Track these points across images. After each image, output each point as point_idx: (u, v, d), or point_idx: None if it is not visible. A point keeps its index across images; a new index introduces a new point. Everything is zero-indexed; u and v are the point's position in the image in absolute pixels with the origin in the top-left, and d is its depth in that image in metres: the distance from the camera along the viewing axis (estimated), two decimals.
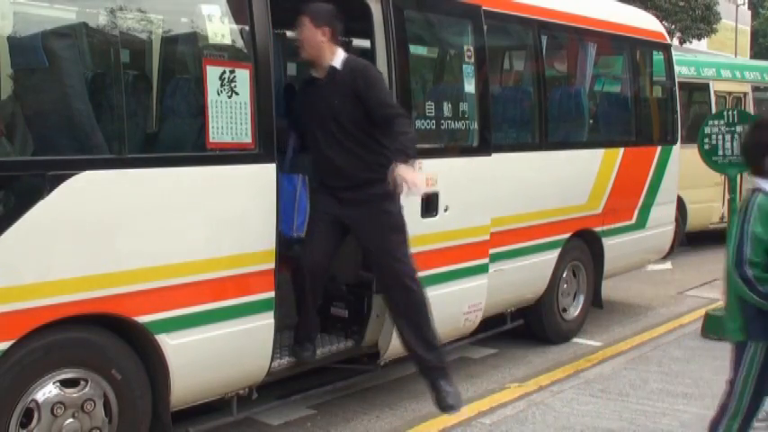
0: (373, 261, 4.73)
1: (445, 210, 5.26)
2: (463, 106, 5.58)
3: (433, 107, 5.38)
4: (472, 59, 5.63)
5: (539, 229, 6.29)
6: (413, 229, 4.79)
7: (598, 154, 6.95)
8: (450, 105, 5.48)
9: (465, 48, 5.66)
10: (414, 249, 4.74)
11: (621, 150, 7.21)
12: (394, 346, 5.03)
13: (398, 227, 4.65)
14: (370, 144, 4.60)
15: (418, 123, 5.19)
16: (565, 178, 6.58)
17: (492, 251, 5.76)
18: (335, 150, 4.59)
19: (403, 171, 4.21)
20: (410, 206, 4.86)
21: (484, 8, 5.72)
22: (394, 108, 4.59)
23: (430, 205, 5.16)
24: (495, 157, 5.74)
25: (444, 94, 5.73)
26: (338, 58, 4.57)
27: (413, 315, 4.62)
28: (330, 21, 4.55)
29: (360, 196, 4.60)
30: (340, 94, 4.52)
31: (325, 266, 4.74)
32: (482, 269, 5.68)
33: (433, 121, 5.35)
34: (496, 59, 7.05)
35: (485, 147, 5.70)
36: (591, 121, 7.26)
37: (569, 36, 7.06)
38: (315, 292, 4.73)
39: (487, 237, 5.68)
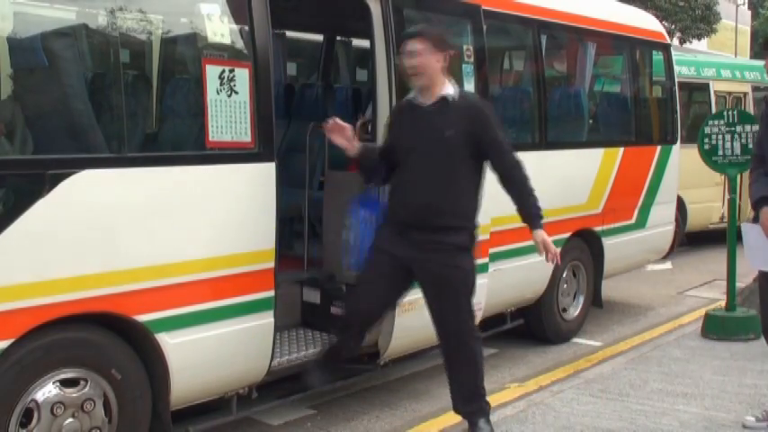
0: (434, 313, 4.36)
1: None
2: None
3: None
4: (472, 59, 5.63)
5: None
6: None
7: (598, 154, 6.95)
8: None
9: (464, 47, 5.65)
10: None
11: (621, 150, 7.21)
12: (394, 345, 5.03)
13: (469, 285, 4.33)
14: (469, 188, 4.28)
15: None
16: (565, 178, 6.57)
17: (491, 251, 5.74)
18: (428, 185, 4.17)
19: (546, 239, 4.15)
20: None
21: (483, 8, 5.72)
22: (512, 154, 4.28)
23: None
24: None
25: None
26: (450, 87, 4.26)
27: (465, 371, 4.38)
28: (449, 46, 4.35)
29: (436, 242, 4.18)
30: (452, 127, 4.15)
31: (376, 317, 4.45)
32: (481, 269, 5.61)
33: None
34: (496, 59, 7.05)
35: None
36: (590, 121, 7.26)
37: (569, 36, 7.06)
38: (357, 338, 4.48)
39: (487, 236, 5.65)
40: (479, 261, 5.58)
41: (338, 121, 4.33)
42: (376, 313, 4.43)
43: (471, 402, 4.38)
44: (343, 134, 4.32)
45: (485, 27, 5.75)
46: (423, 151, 4.18)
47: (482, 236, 5.58)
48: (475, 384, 4.38)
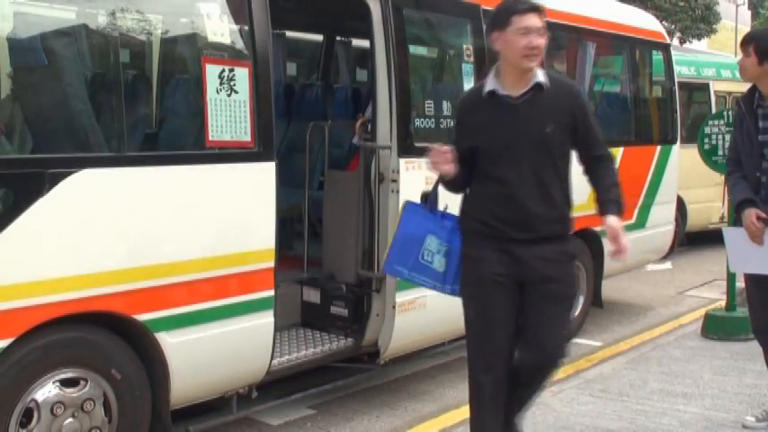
0: (533, 330, 3.63)
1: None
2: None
3: (432, 106, 5.35)
4: (471, 59, 5.62)
5: None
6: None
7: None
8: (450, 104, 5.44)
9: (464, 47, 5.65)
10: None
11: (621, 150, 7.20)
12: (394, 345, 5.03)
13: (570, 297, 3.83)
14: (567, 189, 3.69)
15: (418, 123, 5.18)
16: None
17: None
18: (530, 191, 3.54)
19: (619, 229, 3.54)
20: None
21: (483, 7, 5.72)
22: (606, 147, 3.78)
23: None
24: None
25: (444, 94, 5.69)
26: (540, 71, 3.59)
27: (536, 390, 3.82)
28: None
29: (549, 256, 3.58)
30: (552, 121, 3.54)
31: (508, 364, 3.66)
32: None
33: (434, 120, 5.32)
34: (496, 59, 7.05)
35: None
36: None
37: (568, 35, 7.05)
38: (496, 405, 3.69)
39: None
40: None
41: (439, 147, 3.62)
42: (509, 356, 3.67)
43: (521, 413, 3.89)
44: (445, 158, 3.60)
45: (485, 27, 5.75)
46: (518, 152, 3.54)
47: None
48: (533, 397, 3.89)
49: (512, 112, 3.56)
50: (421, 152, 4.78)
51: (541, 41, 3.49)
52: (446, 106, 5.45)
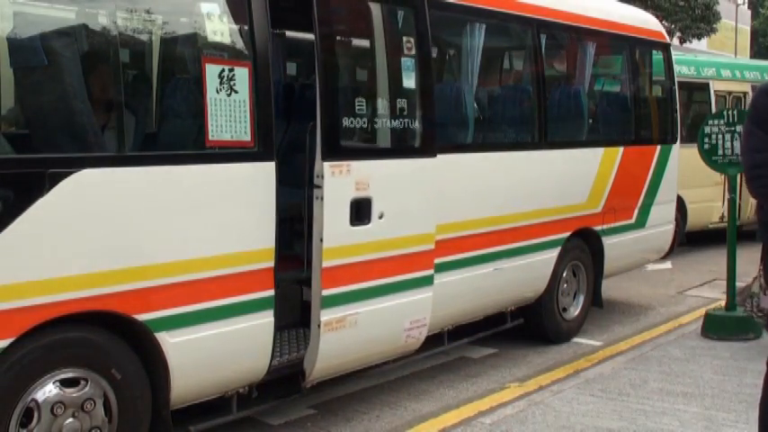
0: None
1: (380, 217, 4.78)
2: (401, 103, 5.03)
3: (365, 105, 4.87)
4: (413, 52, 5.11)
5: (538, 227, 6.28)
6: (338, 239, 4.54)
7: (598, 153, 6.95)
8: (386, 103, 4.99)
9: (405, 40, 5.12)
10: (341, 261, 4.53)
11: (621, 149, 7.21)
12: (320, 367, 4.64)
13: None
14: None
15: (346, 122, 4.70)
16: (564, 177, 6.57)
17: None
18: None
19: None
20: (337, 213, 4.54)
21: None
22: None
23: (360, 212, 4.68)
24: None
25: (380, 91, 5.12)
26: None
27: None
28: None
29: None
30: None
31: None
32: (425, 281, 5.18)
33: (366, 120, 4.85)
34: (496, 58, 7.06)
35: (427, 147, 5.19)
36: (590, 121, 7.26)
37: (569, 35, 7.05)
38: None
39: (431, 246, 5.21)
40: (423, 273, 5.12)
41: None
42: None
43: None
44: None
45: (428, 16, 5.22)
46: None
47: (425, 245, 5.16)
48: None
49: None
50: (350, 155, 4.62)
51: None
52: (382, 105, 4.98)
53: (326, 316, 4.56)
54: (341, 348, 4.71)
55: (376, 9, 5.07)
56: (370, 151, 4.99)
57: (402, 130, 5.08)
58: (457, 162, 5.59)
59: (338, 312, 4.60)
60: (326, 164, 4.51)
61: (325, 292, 4.55)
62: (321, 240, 4.52)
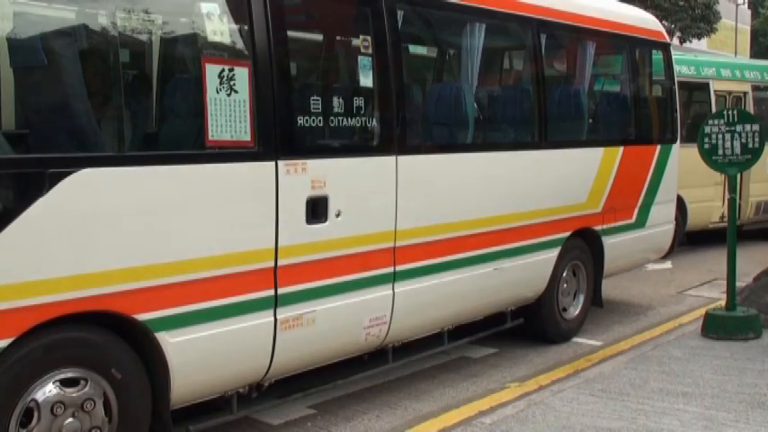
0: None
1: (337, 215, 4.70)
2: (358, 101, 4.94)
3: (321, 102, 4.74)
4: (370, 50, 4.99)
5: (537, 227, 6.28)
6: (294, 238, 4.45)
7: (597, 153, 6.95)
8: (342, 101, 4.86)
9: (361, 37, 5.01)
10: (297, 259, 4.46)
11: (621, 149, 7.21)
12: (276, 366, 4.52)
13: None
14: None
15: (301, 120, 4.55)
16: (564, 177, 6.57)
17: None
18: None
19: None
20: (292, 211, 4.45)
21: None
22: None
23: (317, 210, 4.59)
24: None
25: (336, 89, 5.13)
26: None
27: None
28: None
29: None
30: None
31: None
32: (384, 279, 5.07)
33: (321, 118, 4.69)
34: (495, 58, 7.06)
35: (387, 145, 5.07)
36: (590, 120, 7.26)
37: (568, 35, 7.05)
38: None
39: (391, 243, 5.08)
40: (381, 271, 5.01)
41: None
42: None
43: None
44: None
45: (386, 13, 5.08)
46: None
47: (384, 243, 5.05)
48: None
49: None
50: (305, 153, 4.54)
51: None
52: (338, 102, 4.85)
53: (283, 314, 4.47)
54: (298, 347, 4.63)
55: (331, 6, 5.05)
56: (327, 149, 4.88)
57: (361, 128, 5.02)
58: (457, 162, 5.63)
59: (295, 310, 4.50)
60: (281, 162, 4.40)
61: (281, 291, 4.48)
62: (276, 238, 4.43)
